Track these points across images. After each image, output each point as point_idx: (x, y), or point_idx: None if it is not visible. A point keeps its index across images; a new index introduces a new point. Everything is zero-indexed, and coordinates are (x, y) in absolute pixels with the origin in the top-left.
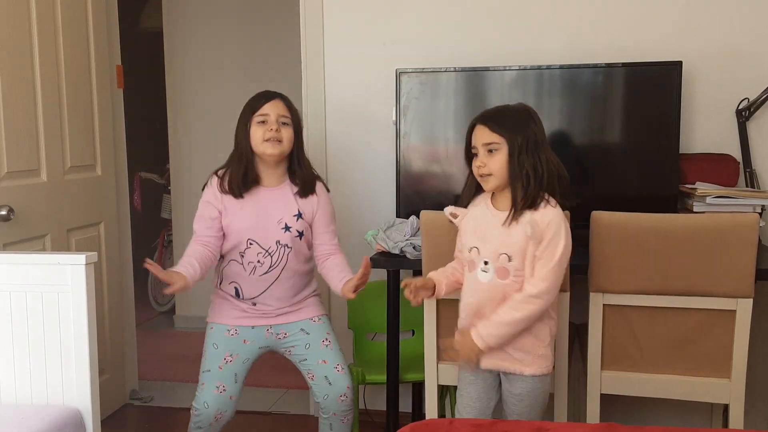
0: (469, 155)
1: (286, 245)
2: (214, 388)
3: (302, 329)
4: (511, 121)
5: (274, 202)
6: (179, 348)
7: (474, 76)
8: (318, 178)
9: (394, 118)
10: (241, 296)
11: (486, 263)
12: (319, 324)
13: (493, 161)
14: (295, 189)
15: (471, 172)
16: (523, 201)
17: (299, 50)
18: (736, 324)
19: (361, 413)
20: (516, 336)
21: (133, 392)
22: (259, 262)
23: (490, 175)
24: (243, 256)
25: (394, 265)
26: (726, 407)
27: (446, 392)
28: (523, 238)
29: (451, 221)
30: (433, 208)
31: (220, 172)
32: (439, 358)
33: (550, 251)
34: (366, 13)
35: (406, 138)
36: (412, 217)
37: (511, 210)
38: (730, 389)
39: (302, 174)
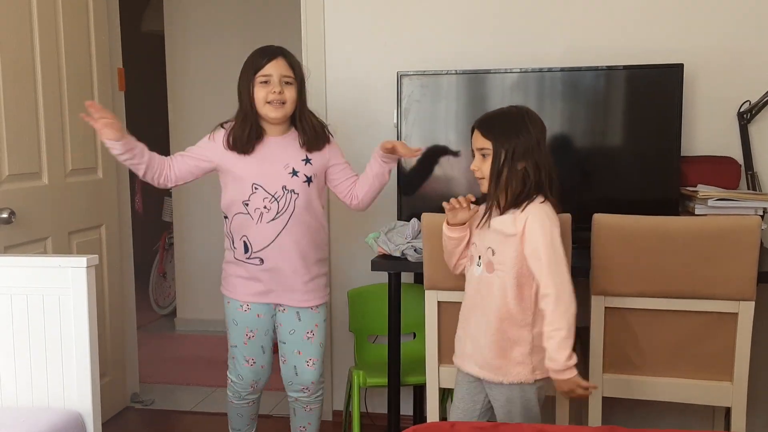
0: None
1: (293, 191)
2: (245, 362)
3: (297, 313)
4: (501, 127)
5: (280, 149)
6: (180, 351)
7: (475, 79)
8: (323, 127)
9: (395, 121)
10: (250, 250)
11: (479, 257)
12: (314, 313)
13: (485, 165)
14: (302, 140)
15: None
16: (505, 202)
17: (300, 53)
18: (738, 327)
19: (362, 416)
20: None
21: (134, 395)
22: (265, 207)
23: (483, 178)
24: (248, 204)
25: (396, 268)
26: (728, 410)
27: (447, 395)
28: (506, 233)
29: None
30: (434, 210)
31: (226, 125)
32: (440, 361)
33: (537, 247)
34: (367, 16)
35: (407, 140)
36: (414, 220)
37: (486, 210)
38: (732, 392)
39: (306, 128)
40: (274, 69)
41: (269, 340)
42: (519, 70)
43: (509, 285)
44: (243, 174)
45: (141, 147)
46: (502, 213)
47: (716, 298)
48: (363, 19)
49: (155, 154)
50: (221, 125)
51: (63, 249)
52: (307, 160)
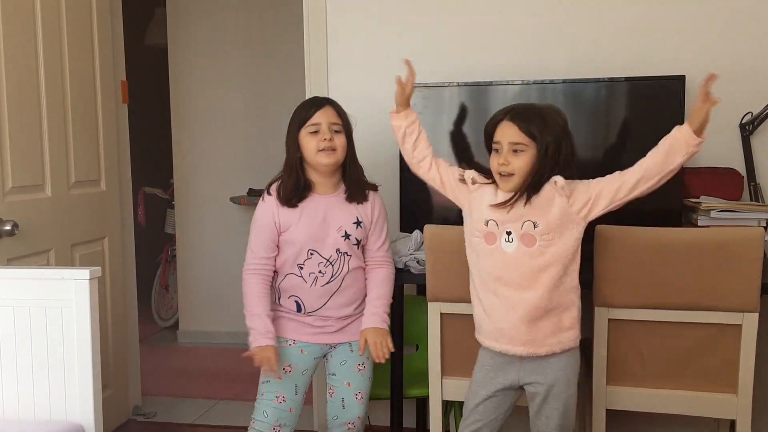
0: (489, 145)
1: (346, 253)
2: (274, 398)
3: (350, 344)
4: (542, 122)
5: (332, 210)
6: (183, 363)
7: (477, 91)
8: (371, 186)
9: None
10: (303, 310)
11: (509, 233)
12: (366, 346)
13: (517, 161)
14: (347, 193)
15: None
16: (534, 189)
17: (303, 65)
18: (742, 338)
19: (365, 429)
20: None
21: (136, 408)
22: (320, 272)
23: (511, 174)
24: (302, 268)
25: (398, 280)
26: (733, 423)
27: (450, 408)
28: (547, 202)
29: (464, 181)
30: (436, 222)
31: (272, 187)
32: (443, 374)
33: (589, 186)
34: (370, 28)
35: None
36: (416, 232)
37: (514, 195)
38: (736, 404)
39: (353, 179)
40: (323, 117)
41: (305, 382)
42: (521, 82)
43: (560, 254)
44: (299, 238)
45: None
46: (518, 199)
47: (720, 310)
48: (365, 32)
49: (268, 296)
50: (266, 190)
51: (66, 261)
52: (358, 223)
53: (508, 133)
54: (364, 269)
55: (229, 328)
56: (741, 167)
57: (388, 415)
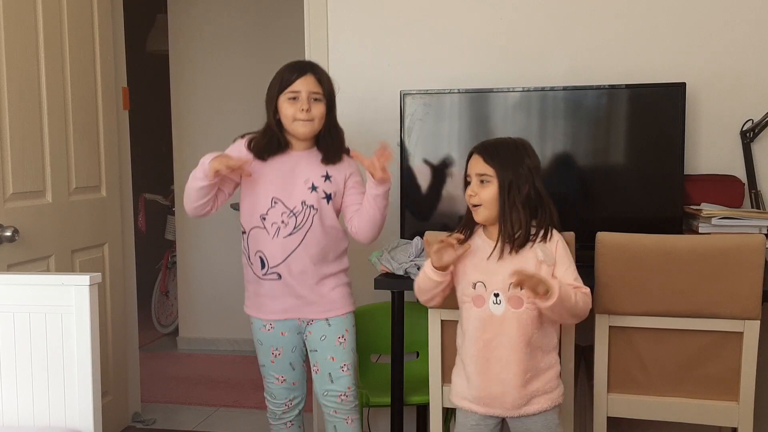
0: (465, 183)
1: (312, 206)
2: (275, 380)
3: (327, 319)
4: (505, 154)
5: (301, 163)
6: (182, 370)
7: (478, 98)
8: (342, 139)
9: (398, 140)
10: (266, 266)
11: (497, 295)
12: (343, 318)
13: (484, 192)
14: (321, 155)
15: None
16: (519, 232)
17: None
18: (743, 346)
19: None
20: (567, 312)
21: (135, 415)
22: (283, 222)
23: (479, 205)
24: (265, 219)
25: (399, 287)
26: (734, 431)
27: (451, 415)
28: (533, 264)
29: (457, 241)
30: (437, 229)
31: (246, 138)
32: (443, 380)
33: (571, 272)
34: (370, 36)
35: (411, 159)
36: (417, 238)
37: (497, 241)
38: (738, 412)
39: (328, 145)
40: (303, 85)
41: (298, 356)
42: (521, 89)
43: (537, 315)
44: (263, 187)
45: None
46: (504, 245)
47: (721, 317)
48: (366, 39)
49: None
50: (240, 137)
51: (66, 267)
52: (327, 177)
53: (474, 164)
54: (338, 235)
55: (229, 335)
56: (742, 174)
57: (388, 422)
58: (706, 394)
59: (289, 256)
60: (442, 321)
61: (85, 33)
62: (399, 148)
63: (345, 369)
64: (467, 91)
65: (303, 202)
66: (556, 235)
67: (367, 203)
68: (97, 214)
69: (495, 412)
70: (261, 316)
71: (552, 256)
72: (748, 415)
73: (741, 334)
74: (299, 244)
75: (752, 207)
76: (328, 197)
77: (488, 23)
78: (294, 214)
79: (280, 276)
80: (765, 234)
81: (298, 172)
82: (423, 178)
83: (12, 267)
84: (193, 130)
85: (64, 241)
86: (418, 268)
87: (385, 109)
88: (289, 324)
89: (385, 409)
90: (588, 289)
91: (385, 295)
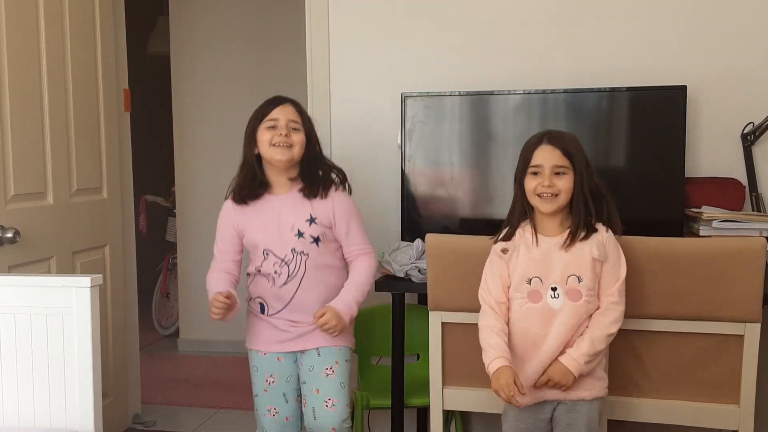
0: (521, 174)
1: (302, 252)
2: (266, 412)
3: (317, 349)
4: (576, 147)
5: (285, 209)
6: (183, 372)
7: (479, 100)
8: (334, 182)
9: (399, 142)
10: (266, 312)
11: (554, 289)
12: (333, 349)
13: (561, 183)
14: (304, 189)
15: (518, 194)
16: (584, 224)
17: (305, 74)
18: (744, 349)
19: None
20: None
21: (136, 416)
22: (276, 272)
23: (556, 195)
24: (261, 270)
25: (399, 289)
26: None
27: (451, 417)
28: (590, 258)
29: (500, 256)
30: (438, 231)
31: (230, 195)
32: (444, 383)
33: (616, 270)
34: (371, 38)
35: (411, 161)
36: (418, 241)
37: (568, 233)
38: (738, 415)
39: (308, 176)
40: (281, 113)
41: (292, 389)
42: (522, 92)
43: (594, 307)
44: (256, 239)
45: (234, 294)
46: (576, 235)
47: (722, 320)
48: (367, 41)
49: (230, 279)
50: (226, 197)
51: (67, 269)
52: (312, 220)
53: (550, 156)
54: (338, 268)
55: (230, 337)
56: (742, 177)
57: (389, 425)
58: (707, 397)
59: (288, 303)
60: (443, 323)
61: (86, 35)
62: (400, 150)
63: (329, 404)
64: (468, 94)
65: (293, 250)
66: (607, 234)
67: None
68: (98, 216)
69: (545, 396)
70: (258, 347)
71: (605, 253)
72: (748, 418)
73: (742, 337)
74: (296, 291)
75: (753, 210)
76: (316, 240)
77: (489, 26)
78: (286, 263)
79: (280, 317)
80: (765, 237)
81: (283, 218)
82: (424, 180)
83: (13, 268)
84: (194, 132)
85: (65, 242)
86: (419, 270)
87: (385, 111)
88: (284, 354)
89: (385, 412)
90: (620, 307)
91: (386, 297)
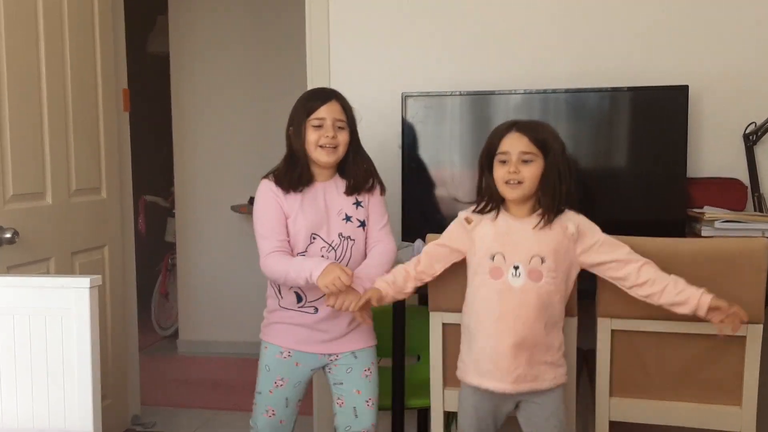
0: (488, 160)
1: (349, 237)
2: (264, 412)
3: (353, 352)
4: (548, 135)
5: (330, 194)
6: (182, 373)
7: (479, 100)
8: (374, 178)
9: (399, 142)
10: (303, 300)
11: (516, 268)
12: (368, 350)
13: (527, 170)
14: (347, 185)
15: (483, 180)
16: (551, 208)
17: (305, 74)
18: (746, 350)
19: None
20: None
21: (135, 418)
22: (322, 257)
23: (521, 183)
24: (305, 254)
25: None
26: None
27: (452, 419)
28: (557, 240)
29: (464, 224)
30: (438, 231)
31: (270, 176)
32: (445, 384)
33: (608, 240)
34: (372, 37)
35: (412, 162)
36: (418, 241)
37: (541, 214)
38: (741, 417)
39: (357, 174)
40: (328, 112)
41: (296, 394)
42: (523, 92)
43: (561, 289)
44: (302, 224)
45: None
46: (548, 218)
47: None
48: (367, 41)
49: (296, 262)
50: (265, 177)
51: (66, 269)
52: (358, 203)
53: (517, 143)
54: None
55: (229, 338)
56: (745, 178)
57: (389, 426)
58: (709, 398)
59: None
60: (443, 324)
61: (85, 34)
62: (400, 150)
63: (370, 404)
64: (469, 94)
65: (340, 235)
66: (574, 214)
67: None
68: (97, 216)
69: (505, 388)
70: (281, 343)
71: (580, 232)
72: (750, 419)
73: (744, 337)
74: None
75: (755, 210)
76: (362, 224)
77: (490, 25)
78: (333, 248)
79: (316, 309)
80: None
81: (330, 203)
82: (424, 180)
83: (12, 269)
84: (194, 132)
85: (64, 243)
86: None
87: (386, 110)
88: (308, 357)
89: (386, 413)
90: (645, 259)
91: None
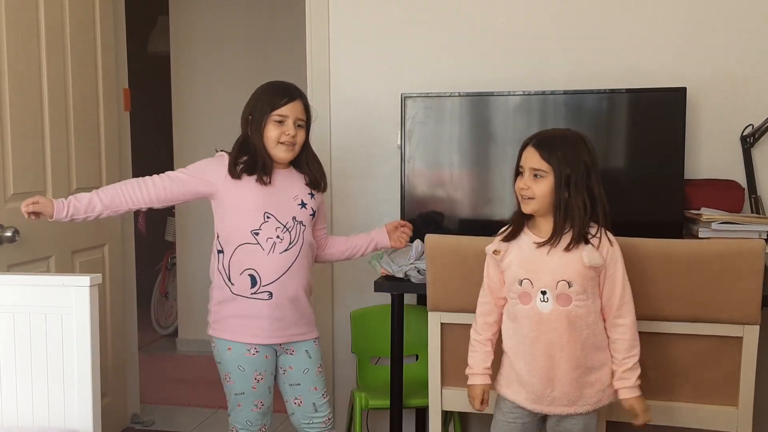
0: (516, 173)
1: (302, 222)
2: (253, 407)
3: (307, 351)
4: (562, 151)
5: (287, 180)
6: (181, 372)
7: (478, 101)
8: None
9: (399, 143)
10: (258, 283)
11: (544, 293)
12: (317, 348)
13: (537, 186)
14: (307, 179)
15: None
16: (561, 228)
17: (305, 74)
18: (743, 351)
19: None
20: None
21: (134, 416)
22: (278, 237)
23: (531, 198)
24: (258, 234)
25: (399, 289)
26: None
27: (450, 418)
28: (580, 264)
29: (494, 256)
30: (437, 232)
31: (229, 156)
32: (443, 383)
33: (620, 283)
34: (372, 38)
35: (411, 162)
36: (417, 241)
37: (551, 237)
38: (737, 417)
39: (312, 169)
40: (291, 111)
41: (272, 379)
42: (522, 93)
43: (594, 312)
44: (253, 201)
45: (85, 204)
46: (555, 240)
47: (721, 322)
48: (367, 42)
49: (118, 189)
50: (223, 151)
51: (66, 268)
52: (312, 195)
53: (530, 158)
54: (313, 252)
55: None
56: (742, 179)
57: (387, 425)
58: (706, 399)
59: (285, 272)
60: (442, 324)
61: (86, 34)
62: (399, 151)
63: (325, 395)
64: (468, 95)
65: (294, 218)
66: (607, 239)
67: (349, 246)
68: None
69: (542, 409)
70: (244, 339)
71: (599, 261)
72: (747, 420)
73: (740, 338)
74: (294, 260)
75: (752, 212)
76: (313, 213)
77: (489, 27)
78: (287, 230)
79: (271, 295)
80: (764, 239)
81: (286, 187)
82: (423, 180)
83: (12, 267)
84: (194, 132)
85: (65, 242)
86: (418, 271)
87: (385, 111)
88: (271, 349)
89: (384, 412)
90: (631, 319)
91: (385, 298)
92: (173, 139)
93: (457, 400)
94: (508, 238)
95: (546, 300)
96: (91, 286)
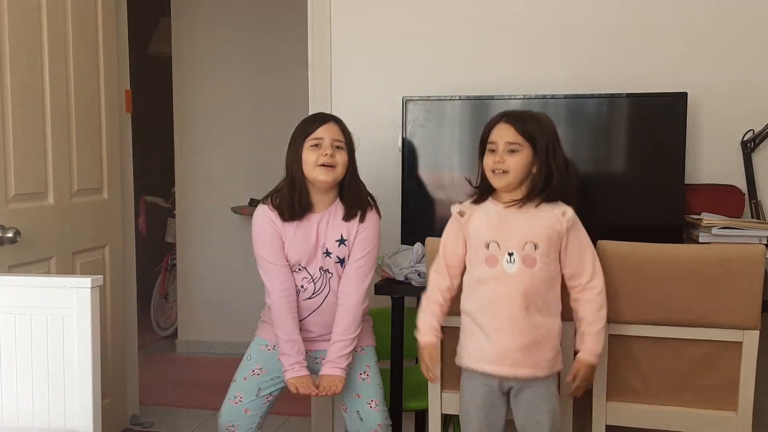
0: (482, 149)
1: (327, 270)
2: (232, 398)
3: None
4: (536, 126)
5: (321, 227)
6: (181, 373)
7: (479, 105)
8: (371, 204)
9: (400, 146)
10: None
11: (511, 254)
12: (361, 355)
13: (513, 160)
14: (342, 212)
15: (480, 170)
16: (535, 193)
17: (306, 77)
18: (742, 356)
19: None
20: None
21: (133, 417)
22: (302, 287)
23: (506, 172)
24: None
25: (399, 292)
26: None
27: (450, 421)
28: (550, 226)
29: (458, 217)
30: (437, 235)
31: (269, 202)
32: (443, 387)
33: (582, 237)
34: (373, 42)
35: (412, 165)
36: (417, 244)
37: (524, 197)
38: (737, 422)
39: (351, 198)
40: (326, 132)
41: (271, 387)
42: (522, 97)
43: (554, 276)
44: (292, 254)
45: (296, 351)
46: (527, 200)
47: (720, 327)
48: (369, 45)
49: (291, 318)
50: (262, 202)
51: (67, 269)
52: (342, 241)
53: (504, 133)
54: None
55: (228, 338)
56: (742, 184)
57: None
58: (705, 404)
59: (307, 316)
60: (442, 327)
61: (88, 36)
62: (400, 154)
63: (372, 405)
64: (469, 98)
65: (321, 268)
66: (571, 208)
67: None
68: (98, 217)
69: (502, 371)
70: (268, 337)
71: (566, 224)
72: (746, 425)
73: (740, 343)
74: (317, 308)
75: (752, 217)
76: (341, 261)
77: (490, 31)
78: (313, 281)
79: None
80: (765, 244)
81: (317, 237)
82: (424, 183)
83: (13, 268)
84: (195, 133)
85: (66, 242)
86: (419, 274)
87: (387, 115)
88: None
89: None
90: (599, 284)
91: (386, 301)
92: (174, 140)
93: (457, 404)
94: (477, 202)
95: (512, 261)
96: (92, 287)
